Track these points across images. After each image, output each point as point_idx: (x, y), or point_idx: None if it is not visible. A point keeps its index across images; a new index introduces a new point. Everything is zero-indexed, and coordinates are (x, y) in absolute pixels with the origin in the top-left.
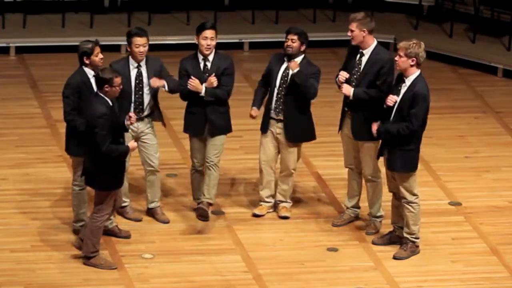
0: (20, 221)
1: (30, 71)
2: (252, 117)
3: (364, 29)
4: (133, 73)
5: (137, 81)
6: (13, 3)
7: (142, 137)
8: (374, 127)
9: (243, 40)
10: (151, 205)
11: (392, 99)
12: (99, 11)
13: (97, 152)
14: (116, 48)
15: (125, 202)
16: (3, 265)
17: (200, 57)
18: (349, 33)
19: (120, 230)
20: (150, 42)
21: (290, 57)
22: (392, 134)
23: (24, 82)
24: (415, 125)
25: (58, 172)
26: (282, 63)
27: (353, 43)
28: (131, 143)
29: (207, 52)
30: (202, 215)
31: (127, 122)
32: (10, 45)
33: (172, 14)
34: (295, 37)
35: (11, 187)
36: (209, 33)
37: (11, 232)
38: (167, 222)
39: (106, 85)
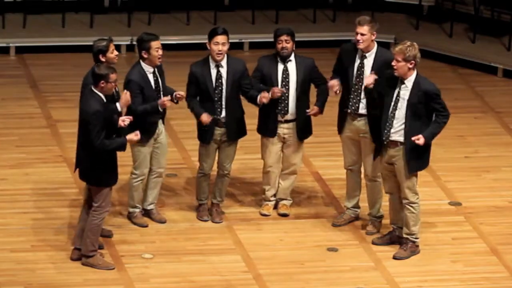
0: (20, 221)
1: (30, 71)
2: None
3: (374, 32)
4: (151, 77)
5: (156, 85)
6: (13, 3)
7: (159, 137)
8: (420, 140)
9: (243, 40)
10: (149, 207)
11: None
12: (99, 11)
13: (92, 148)
14: (116, 48)
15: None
16: (3, 265)
17: (212, 64)
18: (358, 37)
19: (102, 229)
20: None
21: (285, 58)
22: (437, 131)
23: (24, 82)
24: (446, 113)
25: (58, 172)
26: (277, 65)
27: (361, 46)
28: (130, 135)
29: (218, 58)
30: (218, 214)
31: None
32: (10, 45)
33: (172, 14)
34: (289, 38)
35: (11, 187)
36: (220, 38)
37: (11, 232)
38: (164, 222)
39: (102, 81)
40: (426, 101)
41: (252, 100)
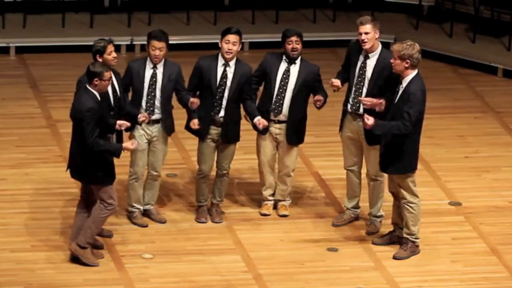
0: (20, 221)
1: (30, 71)
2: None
3: (377, 31)
4: (148, 73)
5: (150, 82)
6: (13, 3)
7: (153, 141)
8: (370, 121)
9: (243, 40)
10: (147, 207)
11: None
12: (99, 11)
13: (84, 146)
14: (116, 48)
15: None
16: (3, 265)
17: (221, 62)
18: (363, 37)
19: (102, 229)
20: None
21: (293, 60)
22: (388, 129)
23: (24, 82)
24: (409, 124)
25: (58, 172)
26: (280, 64)
27: (366, 46)
28: (126, 143)
29: (227, 56)
30: (217, 214)
31: (139, 120)
32: (10, 45)
33: (172, 14)
34: (298, 39)
35: (11, 187)
36: (232, 37)
37: (11, 232)
38: (164, 222)
39: (96, 79)
40: (406, 103)
41: (247, 113)
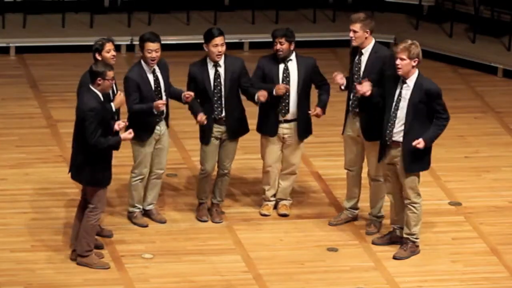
0: (20, 221)
1: (30, 71)
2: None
3: (367, 30)
4: (151, 77)
5: (155, 85)
6: (13, 3)
7: (161, 139)
8: (421, 144)
9: (243, 40)
10: (148, 207)
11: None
12: (99, 11)
13: (87, 146)
14: (116, 48)
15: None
16: (3, 265)
17: (210, 64)
18: (351, 34)
19: (102, 229)
20: None
21: (283, 60)
22: (435, 134)
23: (24, 82)
24: (446, 115)
25: (58, 172)
26: (277, 65)
27: (355, 44)
28: (124, 134)
29: (218, 59)
30: (217, 214)
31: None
32: (10, 45)
33: (172, 14)
34: (283, 39)
35: (11, 187)
36: (218, 40)
37: (11, 232)
38: (164, 222)
39: (99, 78)
40: (427, 100)
41: (251, 98)
